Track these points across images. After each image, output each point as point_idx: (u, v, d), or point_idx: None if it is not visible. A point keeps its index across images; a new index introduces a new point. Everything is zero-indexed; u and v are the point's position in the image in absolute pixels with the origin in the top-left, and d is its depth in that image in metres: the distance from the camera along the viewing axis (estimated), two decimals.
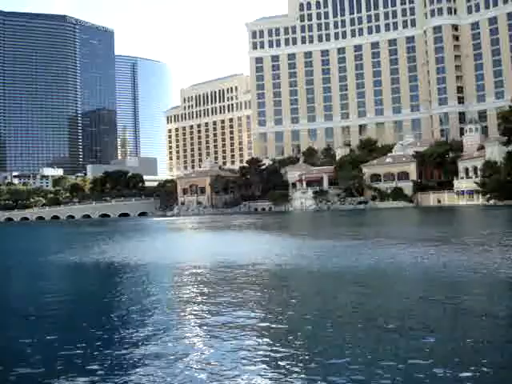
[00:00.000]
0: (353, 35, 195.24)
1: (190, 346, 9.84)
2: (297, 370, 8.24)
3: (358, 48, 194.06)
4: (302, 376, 7.97)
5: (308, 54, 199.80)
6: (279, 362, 8.65)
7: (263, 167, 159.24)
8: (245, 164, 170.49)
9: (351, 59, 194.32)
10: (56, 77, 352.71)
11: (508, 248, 23.56)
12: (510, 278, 16.12)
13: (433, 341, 9.48)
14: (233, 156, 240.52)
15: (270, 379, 7.91)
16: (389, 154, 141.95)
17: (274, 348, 9.48)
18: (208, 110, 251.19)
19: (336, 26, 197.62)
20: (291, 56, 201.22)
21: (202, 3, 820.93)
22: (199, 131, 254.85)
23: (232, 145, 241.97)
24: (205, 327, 11.25)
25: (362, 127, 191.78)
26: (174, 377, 8.16)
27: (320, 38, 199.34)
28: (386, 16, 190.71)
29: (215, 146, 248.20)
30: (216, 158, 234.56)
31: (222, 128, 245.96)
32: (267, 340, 10.04)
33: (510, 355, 8.87)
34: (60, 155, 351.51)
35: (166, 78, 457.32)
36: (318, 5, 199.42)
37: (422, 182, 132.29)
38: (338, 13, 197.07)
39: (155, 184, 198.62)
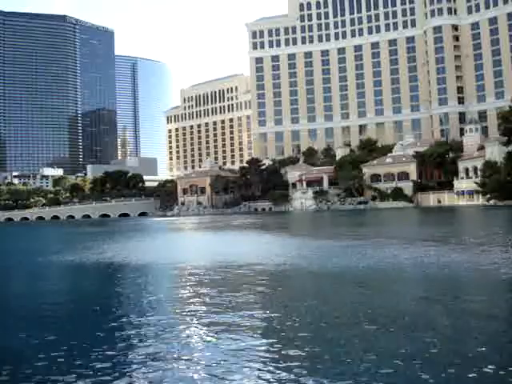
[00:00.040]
0: (353, 35, 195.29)
1: (190, 346, 9.83)
2: (297, 370, 8.23)
3: (358, 48, 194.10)
4: (302, 376, 7.96)
5: (308, 54, 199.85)
6: (279, 362, 8.64)
7: (263, 167, 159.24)
8: (245, 164, 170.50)
9: (351, 59, 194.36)
10: (56, 77, 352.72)
11: (508, 248, 23.56)
12: (510, 277, 16.11)
13: (433, 341, 9.47)
14: (233, 156, 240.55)
15: (270, 379, 7.90)
16: (389, 154, 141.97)
17: (274, 348, 9.47)
18: (208, 110, 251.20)
19: (336, 26, 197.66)
20: (291, 56, 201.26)
21: (202, 3, 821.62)
22: (199, 131, 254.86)
23: (232, 145, 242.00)
24: (205, 327, 11.24)
25: (362, 127, 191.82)
26: (174, 377, 8.15)
27: (320, 38, 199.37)
28: (386, 16, 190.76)
29: (215, 146, 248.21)
30: (216, 158, 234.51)
31: (222, 128, 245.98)
32: (267, 340, 10.03)
33: (510, 355, 8.87)
34: (60, 155, 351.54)
35: (166, 78, 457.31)
36: (318, 5, 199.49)
37: (422, 182, 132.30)
38: (338, 13, 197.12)
39: (155, 184, 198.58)
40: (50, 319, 13.03)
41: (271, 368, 8.37)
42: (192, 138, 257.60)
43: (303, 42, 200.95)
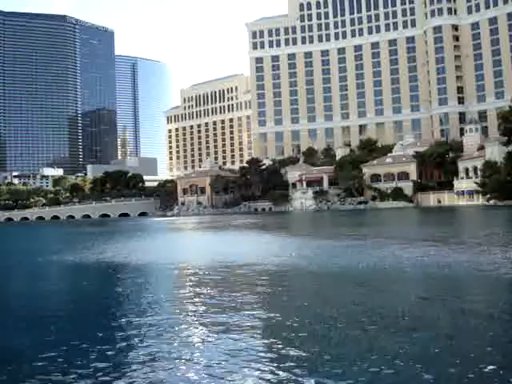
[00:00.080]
0: (353, 35, 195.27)
1: (190, 346, 9.83)
2: (297, 370, 8.23)
3: (358, 48, 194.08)
4: (302, 376, 7.96)
5: (308, 54, 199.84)
6: (279, 362, 8.64)
7: (263, 167, 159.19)
8: (245, 164, 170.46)
9: (351, 59, 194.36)
10: (56, 77, 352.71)
11: (508, 248, 23.56)
12: (510, 277, 16.11)
13: (433, 341, 9.47)
14: (233, 156, 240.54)
15: (271, 379, 7.90)
16: (389, 154, 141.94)
17: (274, 348, 9.47)
18: (208, 110, 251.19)
19: (336, 26, 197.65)
20: (291, 56, 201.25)
21: (202, 3, 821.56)
22: (199, 131, 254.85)
23: (232, 145, 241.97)
24: (205, 327, 11.24)
25: (362, 127, 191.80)
26: (174, 377, 8.16)
27: (320, 38, 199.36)
28: (386, 16, 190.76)
29: (215, 146, 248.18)
30: (216, 158, 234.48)
31: (222, 128, 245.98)
32: (267, 340, 10.04)
33: (510, 355, 8.87)
34: (60, 155, 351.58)
35: (166, 78, 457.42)
36: (318, 5, 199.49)
37: (422, 182, 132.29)
38: (338, 13, 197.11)
39: (155, 184, 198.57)
40: (50, 319, 13.03)
41: (271, 368, 8.37)
42: (192, 138, 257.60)
43: (303, 42, 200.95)
